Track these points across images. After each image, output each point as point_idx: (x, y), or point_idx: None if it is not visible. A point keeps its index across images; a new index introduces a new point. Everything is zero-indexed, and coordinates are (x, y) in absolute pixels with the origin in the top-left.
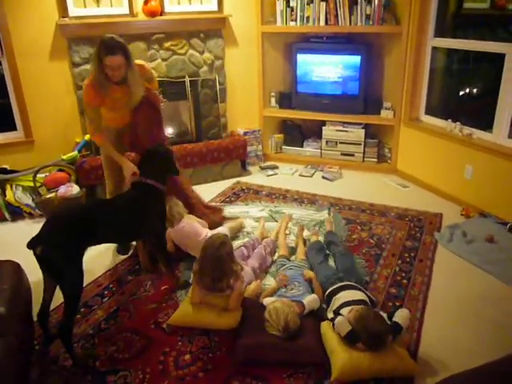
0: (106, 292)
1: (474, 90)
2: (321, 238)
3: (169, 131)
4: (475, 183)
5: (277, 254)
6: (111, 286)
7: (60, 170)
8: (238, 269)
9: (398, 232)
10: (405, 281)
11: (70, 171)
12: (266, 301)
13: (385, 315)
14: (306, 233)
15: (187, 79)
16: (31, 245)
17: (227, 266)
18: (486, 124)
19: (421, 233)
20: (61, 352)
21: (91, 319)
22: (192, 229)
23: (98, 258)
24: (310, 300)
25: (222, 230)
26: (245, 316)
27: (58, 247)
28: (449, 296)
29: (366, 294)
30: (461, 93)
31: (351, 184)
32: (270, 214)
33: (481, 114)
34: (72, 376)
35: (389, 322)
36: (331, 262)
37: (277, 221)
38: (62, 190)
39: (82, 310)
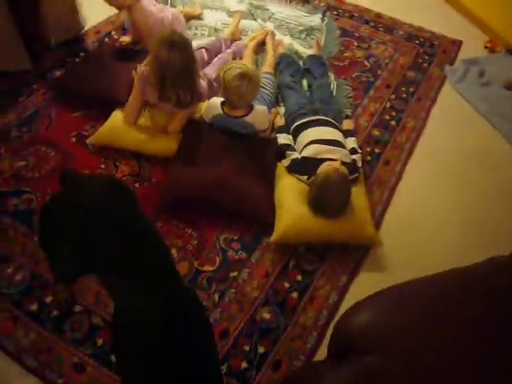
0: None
1: None
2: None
3: None
4: None
5: None
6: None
7: None
8: (200, 85)
9: (401, 57)
10: (393, 122)
11: None
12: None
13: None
14: (287, 41)
15: None
16: None
17: (191, 75)
18: None
19: (429, 63)
20: None
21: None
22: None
23: None
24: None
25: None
26: (184, 143)
27: None
28: (439, 149)
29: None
30: None
31: None
32: (250, 10)
33: None
34: None
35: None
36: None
37: (256, 19)
38: None
39: None
